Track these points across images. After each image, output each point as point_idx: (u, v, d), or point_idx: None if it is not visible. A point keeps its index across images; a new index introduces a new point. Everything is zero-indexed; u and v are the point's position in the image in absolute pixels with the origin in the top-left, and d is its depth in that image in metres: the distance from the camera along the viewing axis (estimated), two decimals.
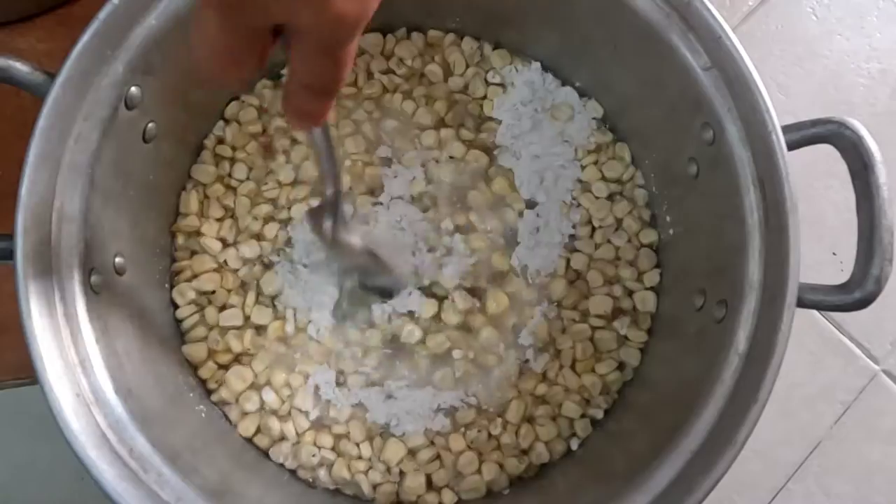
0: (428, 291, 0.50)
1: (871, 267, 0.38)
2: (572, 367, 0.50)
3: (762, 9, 0.71)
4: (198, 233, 0.50)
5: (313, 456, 0.48)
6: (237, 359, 0.49)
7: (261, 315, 0.49)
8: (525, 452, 0.49)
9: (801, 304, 0.39)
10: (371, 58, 0.53)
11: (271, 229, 0.50)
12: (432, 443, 0.49)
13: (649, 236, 0.52)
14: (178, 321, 0.49)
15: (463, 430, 0.49)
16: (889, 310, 0.61)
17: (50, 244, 0.38)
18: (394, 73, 0.53)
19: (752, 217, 0.40)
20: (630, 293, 0.51)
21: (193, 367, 0.49)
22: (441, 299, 0.50)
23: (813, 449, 0.64)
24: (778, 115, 0.40)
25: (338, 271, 0.50)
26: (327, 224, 0.40)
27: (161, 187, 0.48)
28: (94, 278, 0.40)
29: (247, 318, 0.49)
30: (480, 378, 0.50)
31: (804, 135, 0.41)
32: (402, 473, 0.48)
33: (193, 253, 0.50)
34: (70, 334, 0.38)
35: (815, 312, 0.66)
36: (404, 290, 0.50)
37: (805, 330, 0.65)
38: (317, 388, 0.49)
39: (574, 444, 0.49)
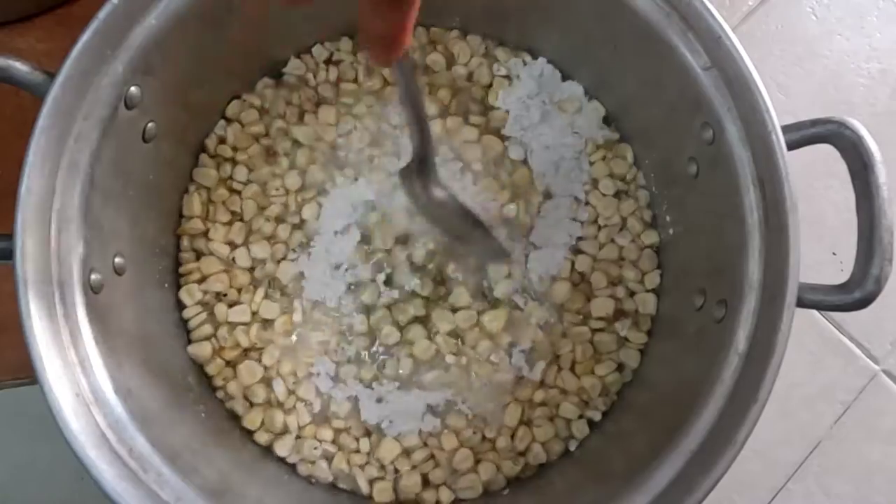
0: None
1: (870, 267, 0.38)
2: (571, 369, 0.50)
3: (762, 9, 0.71)
4: (205, 236, 0.50)
5: (315, 449, 0.48)
6: (245, 354, 0.49)
7: (269, 310, 0.49)
8: (522, 454, 0.49)
9: (801, 303, 0.39)
10: None
11: (284, 230, 0.50)
12: (426, 444, 0.49)
13: (651, 237, 0.52)
14: (185, 321, 0.49)
15: (455, 433, 0.49)
16: (889, 310, 0.61)
17: (49, 244, 0.38)
18: None
19: (751, 217, 0.40)
20: (632, 294, 0.51)
21: (199, 366, 0.49)
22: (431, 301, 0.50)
23: (813, 449, 0.64)
24: (778, 115, 0.40)
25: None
26: (418, 182, 0.37)
27: (161, 187, 0.48)
28: (93, 278, 0.40)
29: (254, 313, 0.49)
30: (473, 385, 0.50)
31: (804, 135, 0.41)
32: (397, 472, 0.48)
33: (199, 254, 0.50)
34: (70, 334, 0.38)
35: (814, 312, 0.66)
36: (502, 261, 0.48)
37: (805, 330, 0.65)
38: (318, 380, 0.49)
39: (572, 446, 0.49)
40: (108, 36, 0.40)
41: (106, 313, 0.40)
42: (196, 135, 0.51)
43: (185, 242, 0.50)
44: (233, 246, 0.50)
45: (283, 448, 0.48)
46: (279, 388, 0.49)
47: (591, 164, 0.53)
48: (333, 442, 0.49)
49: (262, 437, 0.48)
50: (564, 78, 0.54)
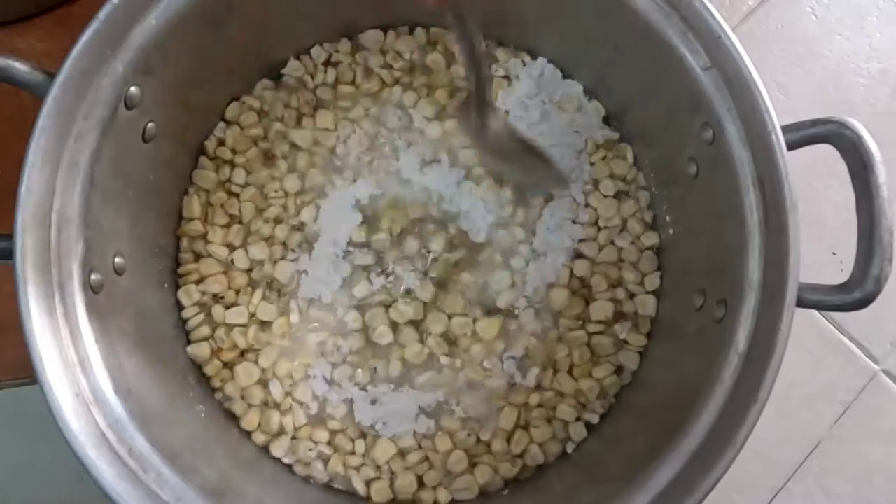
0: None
1: (870, 267, 0.38)
2: (569, 372, 0.50)
3: (762, 9, 0.71)
4: (204, 238, 0.50)
5: (310, 450, 0.48)
6: (242, 355, 0.49)
7: (266, 311, 0.49)
8: (519, 456, 0.49)
9: (801, 303, 0.39)
10: (369, 53, 0.53)
11: (282, 230, 0.51)
12: (420, 446, 0.49)
13: (651, 239, 0.52)
14: (183, 321, 0.49)
15: (449, 435, 0.49)
16: (889, 310, 0.61)
17: (49, 244, 0.38)
18: (391, 66, 0.53)
19: (751, 217, 0.40)
20: (632, 296, 0.51)
21: (198, 366, 0.49)
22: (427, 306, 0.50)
23: (813, 449, 0.64)
24: (778, 115, 0.40)
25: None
26: (476, 116, 0.39)
27: (161, 187, 0.48)
28: (93, 278, 0.40)
29: (252, 315, 0.49)
30: (466, 388, 0.50)
31: (804, 135, 0.41)
32: (392, 473, 0.48)
33: (198, 256, 0.50)
34: (70, 334, 0.38)
35: (814, 312, 0.66)
36: (563, 193, 0.48)
37: (805, 330, 0.65)
38: (314, 382, 0.49)
39: (569, 448, 0.49)
40: (108, 36, 0.40)
41: (106, 313, 0.40)
42: (196, 135, 0.51)
43: (184, 243, 0.50)
44: (231, 248, 0.50)
45: (278, 449, 0.48)
46: (276, 390, 0.49)
47: (592, 164, 0.53)
48: (329, 443, 0.49)
49: (259, 438, 0.48)
50: (564, 77, 0.54)
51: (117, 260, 0.43)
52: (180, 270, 0.50)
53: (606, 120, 0.54)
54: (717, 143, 0.42)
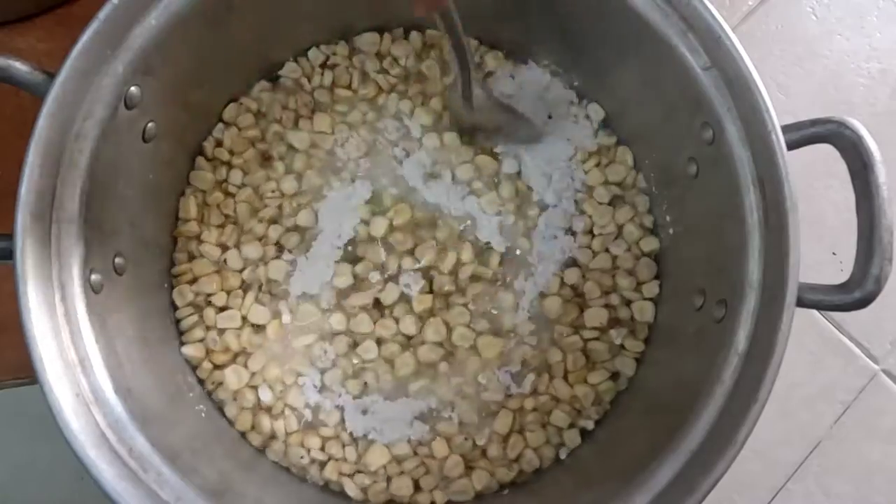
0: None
1: (870, 266, 0.38)
2: (564, 377, 0.50)
3: (762, 8, 0.71)
4: (198, 238, 0.50)
5: (301, 457, 0.48)
6: (234, 358, 0.49)
7: (258, 315, 0.49)
8: (515, 461, 0.49)
9: (801, 303, 0.39)
10: (366, 57, 0.53)
11: (275, 231, 0.50)
12: (415, 452, 0.49)
13: (650, 244, 0.51)
14: (178, 321, 0.49)
15: (447, 440, 0.49)
16: (889, 309, 0.61)
17: (50, 244, 0.38)
18: (387, 72, 0.53)
19: (751, 217, 0.40)
20: (628, 303, 0.51)
21: (192, 367, 0.49)
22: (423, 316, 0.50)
23: (813, 449, 0.64)
24: (778, 115, 0.40)
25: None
26: (463, 97, 0.47)
27: (160, 187, 0.48)
28: (93, 278, 0.40)
29: (244, 318, 0.49)
30: (462, 399, 0.50)
31: (804, 134, 0.40)
32: (388, 479, 0.48)
33: (192, 256, 0.50)
34: (70, 334, 0.38)
35: (814, 312, 0.66)
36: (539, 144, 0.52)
37: (805, 329, 0.65)
38: (306, 388, 0.49)
39: (563, 454, 0.49)
40: (108, 36, 0.40)
41: (106, 313, 0.40)
42: (195, 135, 0.51)
43: (179, 244, 0.50)
44: (224, 248, 0.50)
45: (273, 454, 0.48)
46: (265, 395, 0.48)
47: (586, 172, 0.53)
48: (322, 449, 0.48)
49: (255, 439, 0.48)
50: (563, 85, 0.54)
51: (117, 260, 0.43)
52: (174, 271, 0.50)
53: (605, 122, 0.53)
54: (717, 143, 0.42)
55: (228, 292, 0.50)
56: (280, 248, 0.51)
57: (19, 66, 0.38)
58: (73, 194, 0.39)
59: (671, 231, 0.51)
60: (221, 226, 0.51)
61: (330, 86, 0.53)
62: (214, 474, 0.42)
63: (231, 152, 0.52)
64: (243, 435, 0.48)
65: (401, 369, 0.49)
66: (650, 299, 0.51)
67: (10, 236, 0.37)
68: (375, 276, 0.50)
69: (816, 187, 0.67)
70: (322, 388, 0.49)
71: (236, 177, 0.51)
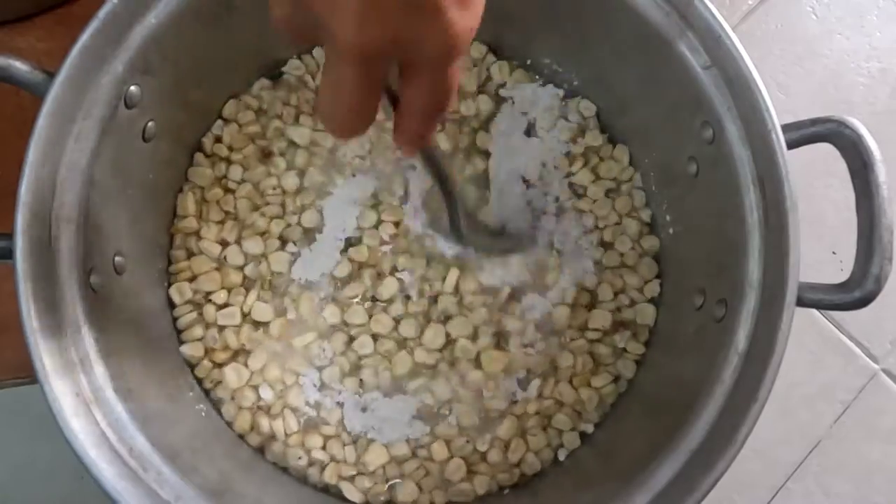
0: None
1: (870, 266, 0.38)
2: (569, 381, 0.50)
3: (762, 8, 0.71)
4: (197, 235, 0.50)
5: (299, 459, 0.48)
6: (234, 356, 0.49)
7: (260, 312, 0.49)
8: (516, 465, 0.49)
9: (801, 303, 0.39)
10: None
11: (277, 225, 0.50)
12: (415, 454, 0.48)
13: (650, 242, 0.51)
14: (175, 319, 0.49)
15: (447, 442, 0.49)
16: (889, 309, 0.61)
17: (49, 243, 0.38)
18: None
19: (751, 216, 0.40)
20: (632, 304, 0.51)
21: (191, 367, 0.49)
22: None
23: (812, 448, 0.64)
24: (778, 114, 0.40)
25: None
26: (454, 230, 0.46)
27: (160, 186, 0.48)
28: (93, 278, 0.40)
29: (245, 315, 0.49)
30: (462, 400, 0.49)
31: (804, 134, 0.40)
32: (388, 481, 0.48)
33: (190, 253, 0.50)
34: (70, 334, 0.38)
35: (814, 311, 0.66)
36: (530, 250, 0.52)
37: (805, 329, 0.65)
38: (305, 388, 0.49)
39: (562, 455, 0.49)
40: (108, 35, 0.40)
41: (106, 313, 0.40)
42: (194, 134, 0.51)
43: (177, 241, 0.50)
44: (224, 244, 0.50)
45: (271, 455, 0.48)
46: (266, 394, 0.48)
47: (574, 173, 0.53)
48: (323, 448, 0.48)
49: (253, 440, 0.48)
50: (556, 83, 0.54)
51: (117, 259, 0.43)
52: (171, 269, 0.49)
53: (602, 119, 0.53)
54: (717, 142, 0.42)
55: (229, 290, 0.49)
56: (283, 241, 0.50)
57: (19, 66, 0.38)
58: (72, 193, 0.39)
59: (671, 230, 0.51)
60: (221, 222, 0.50)
61: None
62: (214, 474, 0.42)
63: (230, 148, 0.51)
64: (242, 436, 0.48)
65: (398, 367, 0.49)
66: (651, 301, 0.51)
67: (10, 236, 0.37)
68: (372, 272, 0.50)
69: (816, 186, 0.67)
70: (322, 387, 0.49)
71: (236, 173, 0.51)
